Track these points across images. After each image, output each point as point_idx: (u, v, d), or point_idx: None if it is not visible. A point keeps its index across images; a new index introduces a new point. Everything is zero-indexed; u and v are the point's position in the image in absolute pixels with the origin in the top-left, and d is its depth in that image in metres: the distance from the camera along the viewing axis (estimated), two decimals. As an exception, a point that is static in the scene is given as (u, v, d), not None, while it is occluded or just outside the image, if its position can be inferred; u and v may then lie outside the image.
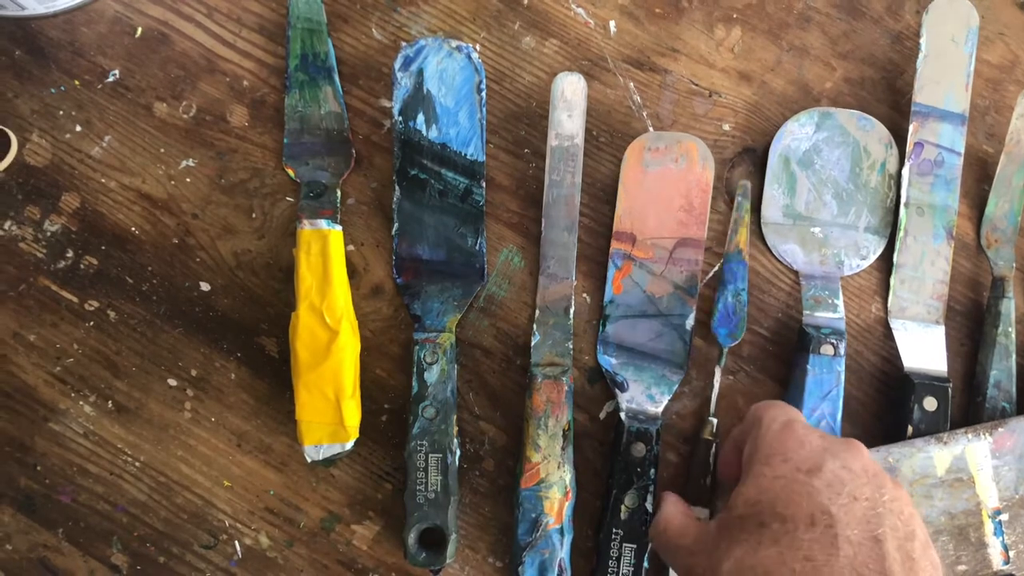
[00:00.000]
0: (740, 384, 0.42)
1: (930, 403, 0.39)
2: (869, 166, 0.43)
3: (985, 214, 0.43)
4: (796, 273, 0.43)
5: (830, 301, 0.41)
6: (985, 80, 0.44)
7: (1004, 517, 0.38)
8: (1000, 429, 0.38)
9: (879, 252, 0.43)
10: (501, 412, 0.41)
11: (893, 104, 0.44)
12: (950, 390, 0.40)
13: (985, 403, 0.40)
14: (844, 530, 0.26)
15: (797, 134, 0.43)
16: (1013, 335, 0.41)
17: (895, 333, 0.42)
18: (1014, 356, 0.41)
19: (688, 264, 0.41)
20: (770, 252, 0.43)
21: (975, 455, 0.38)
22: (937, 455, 0.38)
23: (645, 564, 0.38)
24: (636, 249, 0.41)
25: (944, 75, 0.42)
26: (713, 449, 0.40)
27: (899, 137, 0.43)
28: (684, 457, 0.42)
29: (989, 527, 0.38)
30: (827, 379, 0.39)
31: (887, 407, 0.42)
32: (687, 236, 0.41)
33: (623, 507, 0.38)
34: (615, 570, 0.38)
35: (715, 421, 0.40)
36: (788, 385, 0.41)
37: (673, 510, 0.34)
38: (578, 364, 0.42)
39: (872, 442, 0.40)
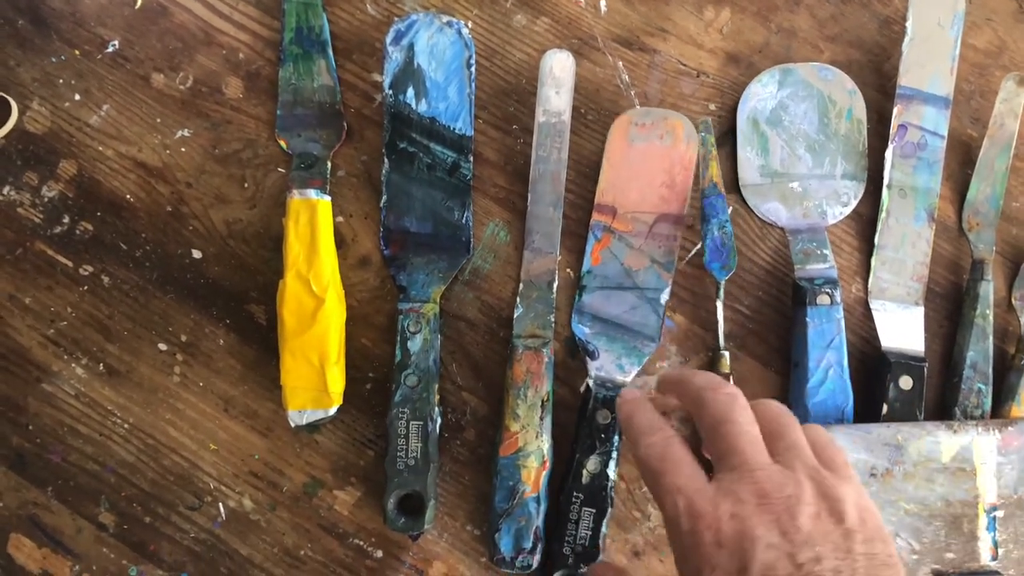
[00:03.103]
0: (707, 365, 0.42)
1: (906, 382, 0.40)
2: (836, 114, 0.43)
3: (967, 197, 0.43)
4: (782, 230, 0.43)
5: (819, 252, 0.42)
6: (971, 65, 0.44)
7: (999, 514, 0.38)
8: (1010, 428, 0.39)
9: (859, 196, 0.43)
10: (483, 383, 0.42)
11: (879, 87, 0.44)
12: (925, 369, 0.40)
13: (961, 384, 0.41)
14: None
15: (761, 94, 0.43)
16: (991, 317, 0.41)
17: (874, 313, 0.42)
18: (991, 338, 0.41)
19: (666, 239, 0.42)
20: (752, 218, 0.43)
21: (981, 448, 0.38)
22: (945, 441, 0.38)
23: (604, 530, 0.39)
24: (616, 222, 0.42)
25: (929, 59, 0.42)
26: (730, 381, 0.41)
27: (885, 120, 0.43)
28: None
29: (983, 521, 0.38)
30: (828, 328, 0.40)
31: (864, 385, 0.42)
32: (667, 212, 0.42)
33: (585, 471, 0.39)
34: (573, 533, 0.39)
35: (727, 354, 0.41)
36: (792, 342, 0.42)
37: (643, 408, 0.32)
38: (559, 337, 0.42)
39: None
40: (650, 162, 0.42)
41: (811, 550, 0.27)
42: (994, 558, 0.38)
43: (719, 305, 0.41)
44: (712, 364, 0.42)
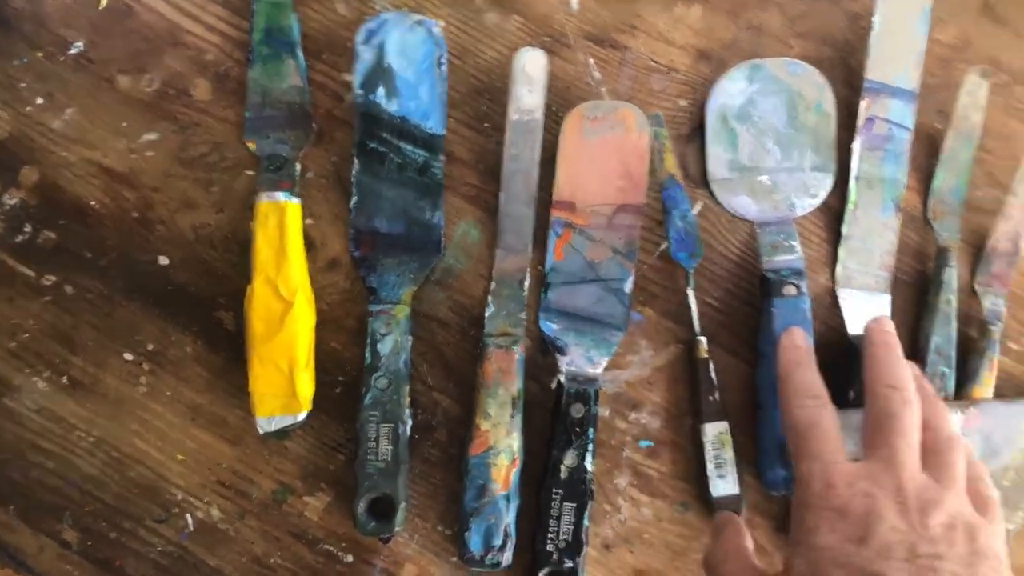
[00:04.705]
0: (686, 352, 0.42)
1: None
2: (805, 108, 0.43)
3: (932, 187, 0.44)
4: (751, 224, 0.43)
5: (787, 244, 0.42)
6: (936, 59, 0.44)
7: None
8: (972, 408, 0.39)
9: (828, 188, 0.43)
10: (455, 383, 0.41)
11: (848, 82, 0.44)
12: None
13: (925, 368, 0.41)
14: None
15: (730, 90, 0.43)
16: (955, 303, 0.41)
17: (841, 301, 0.42)
18: (955, 323, 0.41)
19: (627, 229, 0.42)
20: (721, 212, 0.43)
21: None
22: None
23: (585, 522, 0.38)
24: (576, 216, 0.42)
25: (896, 53, 0.42)
26: (711, 366, 0.41)
27: (853, 114, 0.43)
28: (632, 423, 0.42)
29: None
30: (794, 319, 0.39)
31: (832, 373, 0.41)
32: (626, 202, 0.42)
33: (562, 467, 0.39)
34: (555, 529, 0.38)
35: (704, 339, 0.41)
36: (757, 334, 0.42)
37: (730, 548, 0.33)
38: (531, 334, 0.42)
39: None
40: (605, 154, 0.41)
41: (934, 547, 0.27)
42: None
43: (690, 292, 0.41)
44: (689, 351, 0.41)
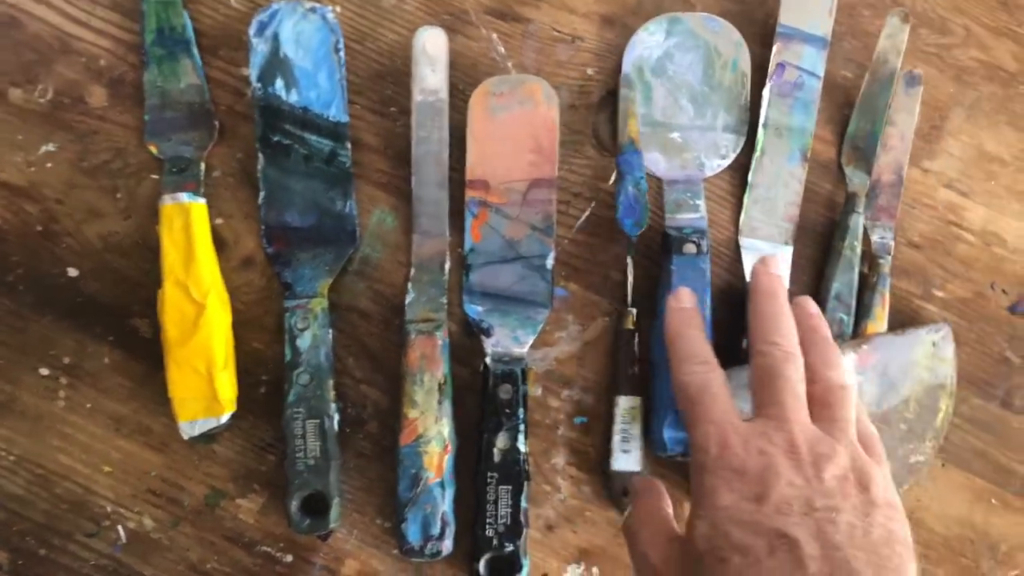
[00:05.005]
0: (614, 324, 0.42)
1: None
2: (721, 66, 0.43)
3: (847, 132, 0.43)
4: (659, 180, 0.43)
5: (692, 203, 0.41)
6: (842, 6, 0.44)
7: None
8: (864, 346, 0.38)
9: (738, 150, 0.43)
10: (383, 374, 0.41)
11: (754, 36, 0.43)
12: None
13: (824, 314, 0.40)
14: (805, 548, 0.26)
15: (648, 43, 0.43)
16: (858, 249, 0.41)
17: (743, 252, 0.42)
18: (857, 269, 0.41)
19: (542, 204, 0.41)
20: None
21: None
22: None
23: (523, 504, 0.38)
24: (490, 195, 0.41)
25: (810, -1, 0.42)
26: (636, 339, 0.40)
27: (759, 67, 0.43)
28: (565, 400, 0.41)
29: None
30: (693, 277, 0.39)
31: (729, 322, 0.42)
32: (539, 177, 0.41)
33: (495, 450, 0.38)
34: (493, 513, 0.38)
35: (634, 311, 0.41)
36: (657, 292, 0.41)
37: (647, 512, 0.33)
38: (455, 318, 0.41)
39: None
40: (514, 130, 0.41)
41: (830, 500, 0.27)
42: None
43: (630, 261, 0.41)
44: (618, 321, 0.41)
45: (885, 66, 0.42)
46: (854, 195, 0.42)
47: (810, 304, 0.35)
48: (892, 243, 0.42)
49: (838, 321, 0.41)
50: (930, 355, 0.39)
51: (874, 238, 0.42)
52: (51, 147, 0.42)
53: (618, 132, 0.41)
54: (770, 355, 0.31)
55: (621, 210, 0.40)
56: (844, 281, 0.41)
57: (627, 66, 0.43)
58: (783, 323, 0.33)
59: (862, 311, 0.41)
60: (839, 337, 0.40)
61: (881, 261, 0.42)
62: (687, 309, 0.35)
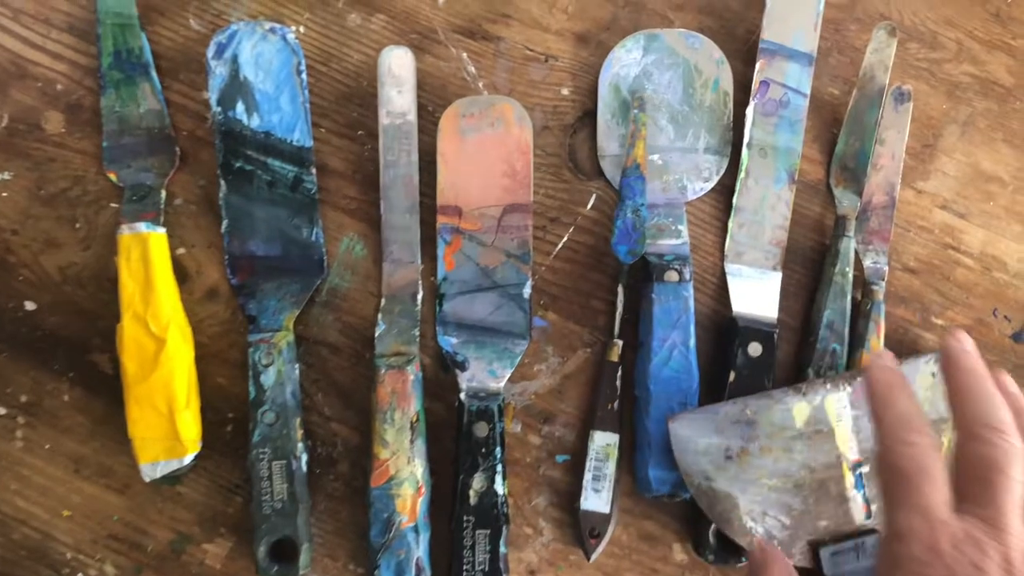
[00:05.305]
0: (596, 356, 0.40)
1: (755, 348, 0.38)
2: (702, 84, 0.41)
3: (835, 152, 0.42)
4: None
5: (674, 228, 0.40)
6: (827, 21, 0.42)
7: (865, 469, 0.36)
8: (859, 379, 0.37)
9: (721, 172, 0.41)
10: (353, 411, 0.39)
11: (735, 52, 0.42)
12: (776, 337, 0.38)
13: (817, 344, 0.39)
14: None
15: (625, 60, 0.41)
16: (850, 275, 0.39)
17: (729, 278, 0.40)
18: (849, 296, 0.39)
19: (518, 231, 0.39)
20: (610, 191, 0.41)
21: (834, 406, 0.36)
22: (796, 407, 0.36)
23: (502, 548, 0.36)
24: (464, 221, 0.39)
25: (793, 13, 0.40)
26: (619, 372, 0.39)
27: (741, 85, 0.41)
28: (546, 437, 0.40)
29: (850, 480, 0.36)
30: (674, 306, 0.38)
31: (716, 353, 0.40)
32: (514, 202, 0.39)
33: (471, 492, 0.37)
34: (471, 560, 0.36)
35: (620, 343, 0.39)
36: (638, 317, 0.40)
37: None
38: (429, 351, 0.40)
39: (700, 390, 0.38)
40: (486, 153, 0.39)
41: None
42: (868, 516, 0.36)
43: (620, 290, 0.39)
44: (604, 353, 0.39)
45: (872, 82, 0.40)
46: (844, 218, 0.40)
47: (1012, 382, 0.31)
48: (886, 268, 0.41)
49: (831, 352, 0.39)
50: (930, 386, 0.38)
51: (867, 263, 0.41)
52: (6, 176, 0.40)
53: (624, 154, 0.39)
54: (992, 445, 0.28)
55: (617, 236, 0.38)
56: (836, 309, 0.39)
57: (604, 85, 0.41)
58: (1002, 409, 0.29)
59: (856, 341, 0.39)
60: (831, 369, 0.39)
61: (875, 287, 0.40)
62: (893, 370, 0.31)
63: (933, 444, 0.28)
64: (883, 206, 0.41)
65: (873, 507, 0.36)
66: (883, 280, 0.40)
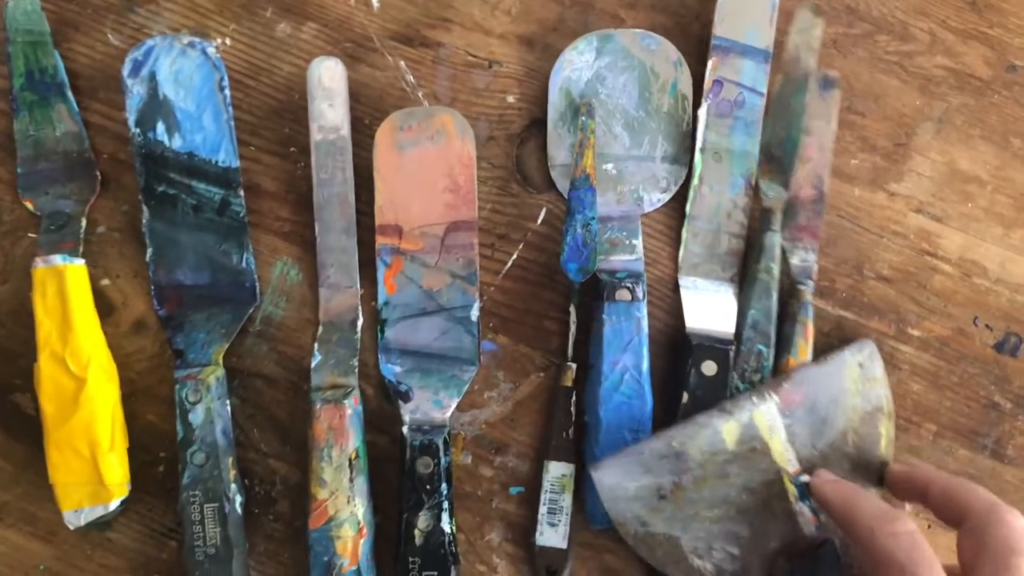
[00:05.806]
0: (550, 380, 0.38)
1: (709, 367, 0.35)
2: (659, 88, 0.38)
3: (760, 142, 0.38)
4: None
5: (628, 242, 0.37)
6: (783, 13, 0.38)
7: (806, 478, 0.33)
8: (785, 384, 0.34)
9: (680, 182, 0.39)
10: (292, 446, 0.37)
11: (688, 51, 0.39)
12: (731, 354, 0.36)
13: (740, 346, 0.36)
14: None
15: (577, 63, 0.38)
16: (776, 272, 0.37)
17: (682, 291, 0.38)
18: (775, 295, 0.36)
19: (463, 250, 0.37)
20: (561, 202, 0.39)
21: (765, 419, 0.33)
22: (724, 428, 0.33)
23: None
24: (404, 241, 0.37)
25: (746, 6, 0.38)
26: (573, 398, 0.36)
27: (697, 87, 0.39)
28: (498, 469, 0.37)
29: (793, 492, 0.33)
30: (626, 327, 0.35)
31: (674, 372, 0.38)
32: (457, 219, 0.37)
33: (417, 531, 0.34)
34: (418, 604, 0.34)
35: (574, 366, 0.37)
36: (588, 342, 0.37)
37: None
38: (372, 381, 0.37)
39: (656, 411, 0.36)
40: (426, 168, 0.37)
41: None
42: (818, 526, 0.33)
43: (572, 311, 0.37)
44: (559, 377, 0.37)
45: (797, 64, 0.37)
46: (769, 211, 0.37)
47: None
48: (815, 266, 0.38)
49: (756, 354, 0.36)
50: (859, 378, 0.35)
51: (794, 261, 0.38)
52: (-83, 207, 0.38)
53: (573, 165, 0.37)
54: (1011, 527, 0.28)
55: (567, 253, 0.36)
56: (761, 308, 0.36)
57: (553, 90, 0.38)
58: (989, 496, 0.30)
59: (783, 344, 0.37)
60: (756, 373, 0.36)
61: (802, 287, 0.37)
62: (839, 481, 0.32)
63: (917, 533, 0.28)
64: (812, 200, 0.38)
65: (822, 516, 0.33)
66: (811, 279, 0.37)
